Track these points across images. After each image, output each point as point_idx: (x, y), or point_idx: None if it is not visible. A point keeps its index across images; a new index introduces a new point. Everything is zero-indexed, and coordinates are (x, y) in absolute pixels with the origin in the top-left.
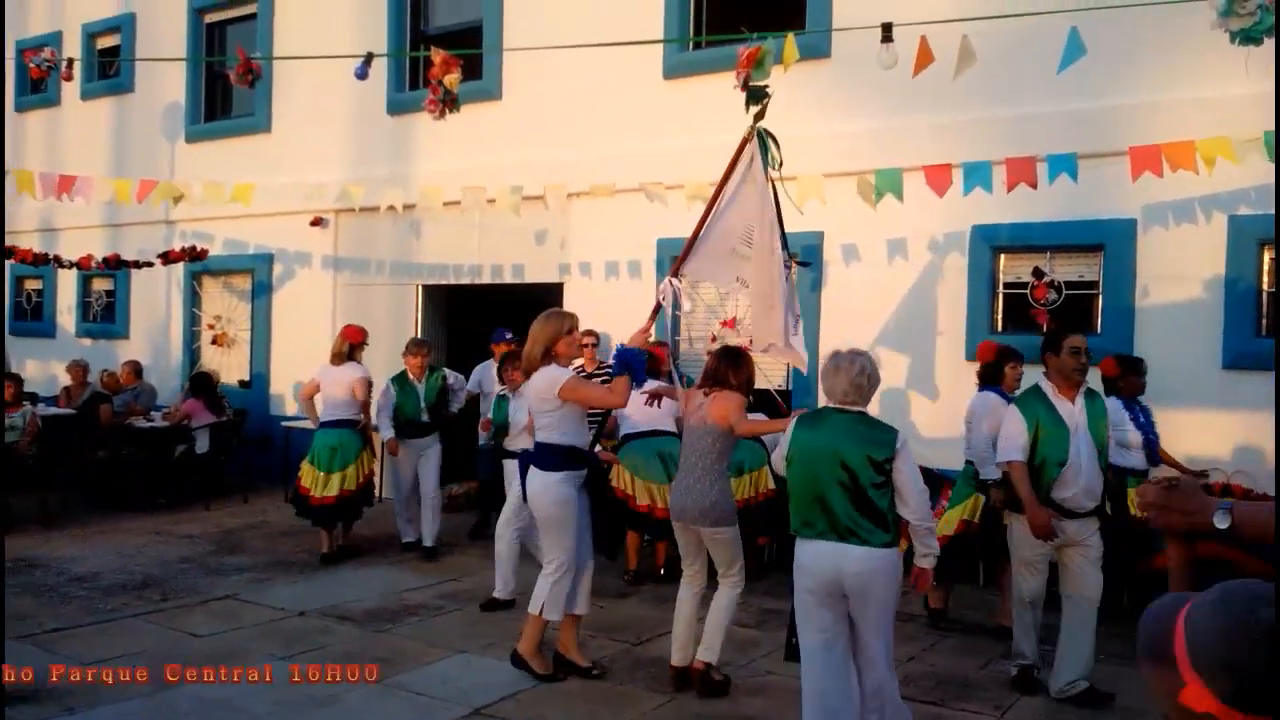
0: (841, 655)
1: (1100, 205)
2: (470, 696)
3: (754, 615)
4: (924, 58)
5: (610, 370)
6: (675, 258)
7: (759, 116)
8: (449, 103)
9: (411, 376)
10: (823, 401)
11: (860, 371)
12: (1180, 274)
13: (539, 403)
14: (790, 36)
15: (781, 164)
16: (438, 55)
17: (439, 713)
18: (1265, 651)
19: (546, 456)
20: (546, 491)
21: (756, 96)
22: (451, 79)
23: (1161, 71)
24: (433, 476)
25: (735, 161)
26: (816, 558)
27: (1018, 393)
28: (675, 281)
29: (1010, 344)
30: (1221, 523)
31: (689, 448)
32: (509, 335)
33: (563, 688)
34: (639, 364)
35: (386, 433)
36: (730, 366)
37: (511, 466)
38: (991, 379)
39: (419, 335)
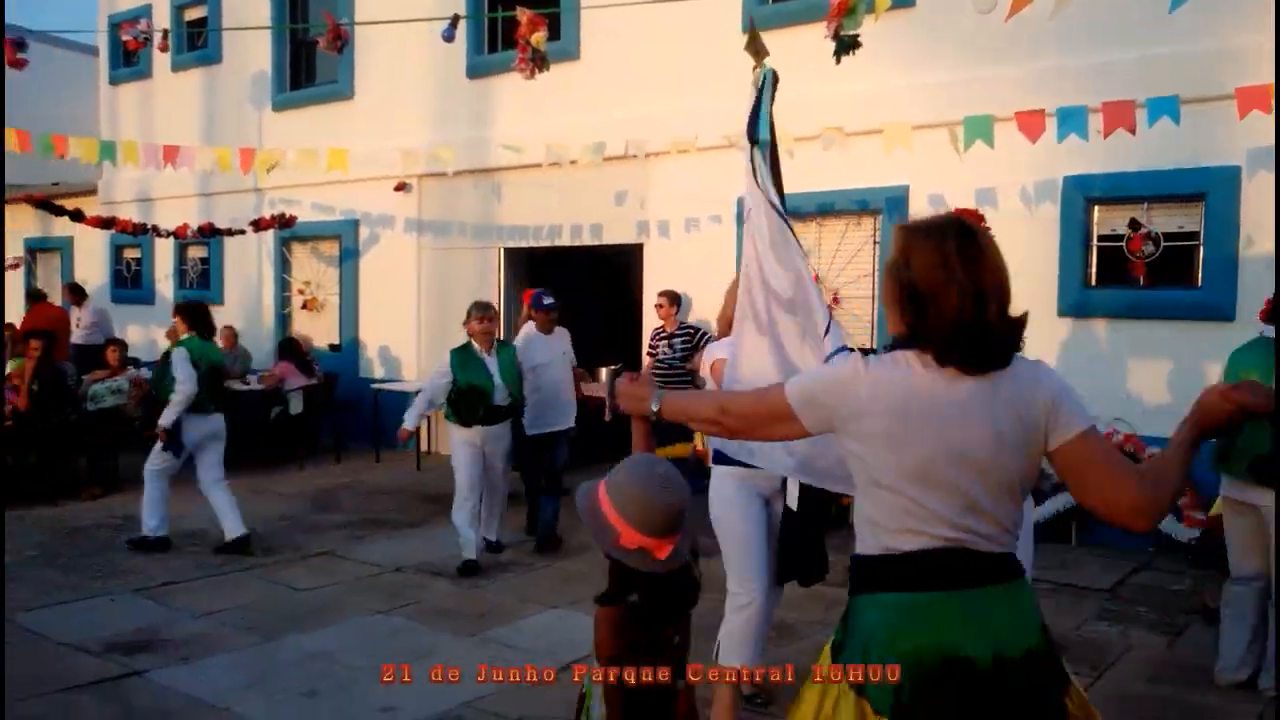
0: None
1: (1201, 153)
2: (561, 651)
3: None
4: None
5: (690, 331)
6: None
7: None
8: (539, 62)
9: (478, 348)
10: None
11: None
12: None
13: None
14: None
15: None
16: (524, 15)
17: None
18: (662, 488)
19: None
20: (711, 489)
21: (846, 46)
22: (539, 37)
23: (1267, 7)
24: (503, 467)
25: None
26: None
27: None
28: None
29: (1105, 298)
30: (654, 405)
31: None
32: (547, 301)
33: None
34: None
35: (411, 421)
36: None
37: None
38: None
39: (501, 299)
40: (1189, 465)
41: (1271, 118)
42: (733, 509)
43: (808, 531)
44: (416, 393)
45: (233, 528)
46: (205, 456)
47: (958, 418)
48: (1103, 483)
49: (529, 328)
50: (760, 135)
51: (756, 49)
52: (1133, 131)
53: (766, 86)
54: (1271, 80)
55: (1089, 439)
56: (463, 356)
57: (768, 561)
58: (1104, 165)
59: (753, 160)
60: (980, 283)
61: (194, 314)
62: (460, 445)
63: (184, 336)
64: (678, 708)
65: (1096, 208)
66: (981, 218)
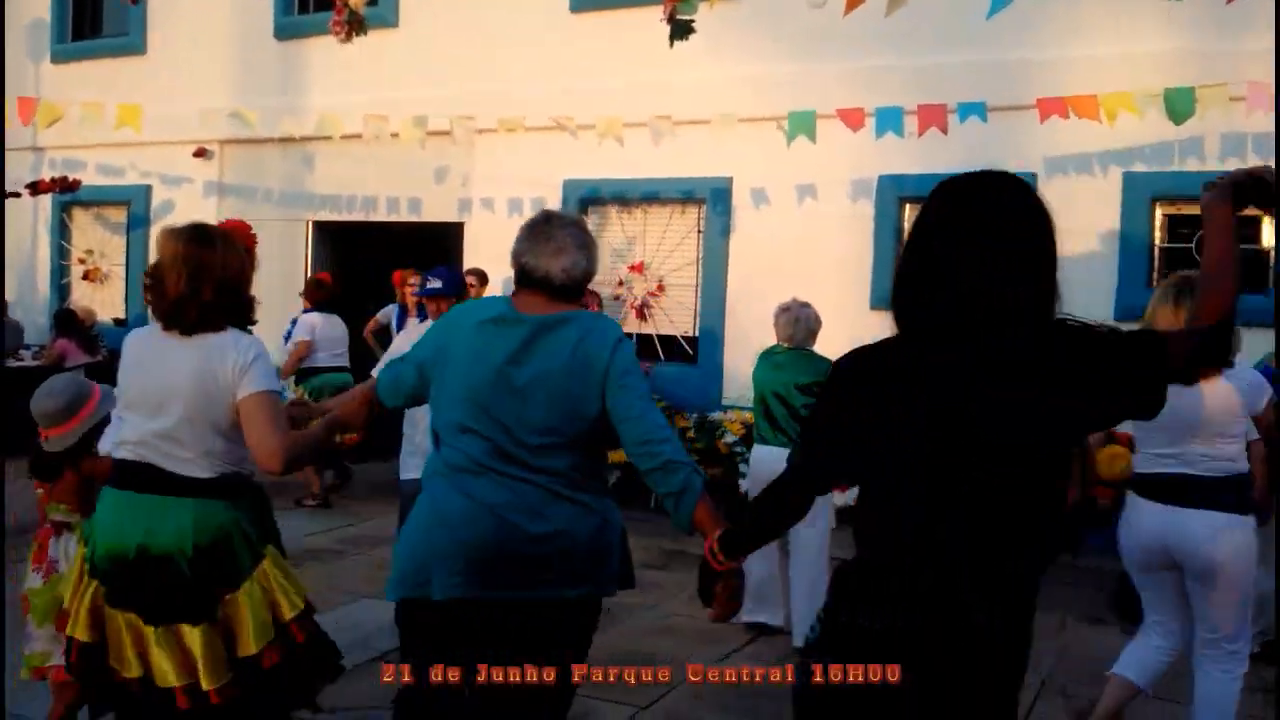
0: None
1: (1003, 159)
2: (374, 640)
3: (658, 556)
4: None
5: None
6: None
7: None
8: (355, 24)
9: None
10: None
11: (794, 320)
12: (1076, 228)
13: (1222, 416)
14: None
15: None
16: None
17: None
18: (39, 395)
19: (1237, 491)
20: (1243, 546)
21: (682, 31)
22: (358, 0)
23: (1069, 25)
24: None
25: None
26: None
27: None
28: None
29: None
30: None
31: None
32: (433, 284)
33: None
34: None
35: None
36: None
37: None
38: None
39: (309, 274)
40: (329, 440)
41: (1067, 125)
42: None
43: None
44: None
45: None
46: None
47: (165, 365)
48: (260, 434)
49: (411, 323)
50: None
51: None
52: (945, 132)
53: None
54: (1067, 93)
55: (258, 399)
56: None
57: None
58: (916, 166)
59: None
60: (200, 271)
61: None
62: None
63: None
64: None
65: (908, 206)
66: (247, 227)
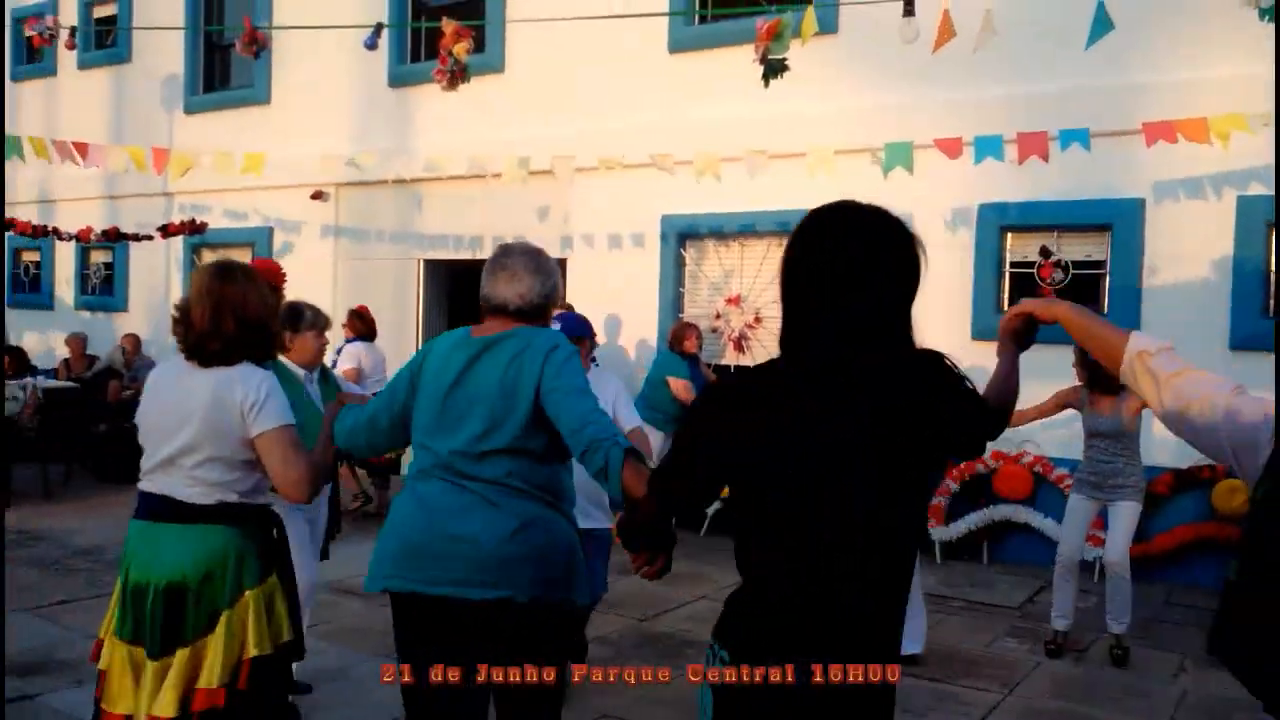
0: None
1: (1109, 185)
2: None
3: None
4: (945, 33)
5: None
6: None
7: None
8: (459, 73)
9: (293, 367)
10: None
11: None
12: (1188, 254)
13: None
14: (810, 9)
15: None
16: (449, 26)
17: None
18: None
19: None
20: None
21: (775, 71)
22: (461, 48)
23: (1176, 49)
24: (310, 557)
25: None
26: None
27: None
28: None
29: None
30: None
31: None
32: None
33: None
34: None
35: None
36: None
37: None
38: None
39: (420, 311)
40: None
41: (1175, 152)
42: None
43: None
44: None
45: None
46: None
47: (179, 393)
48: (281, 468)
49: None
50: None
51: None
52: (1045, 159)
53: None
54: (1175, 117)
55: (275, 435)
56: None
57: None
58: (1017, 194)
59: None
60: (219, 303)
61: None
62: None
63: None
64: None
65: (1010, 235)
66: (277, 267)
